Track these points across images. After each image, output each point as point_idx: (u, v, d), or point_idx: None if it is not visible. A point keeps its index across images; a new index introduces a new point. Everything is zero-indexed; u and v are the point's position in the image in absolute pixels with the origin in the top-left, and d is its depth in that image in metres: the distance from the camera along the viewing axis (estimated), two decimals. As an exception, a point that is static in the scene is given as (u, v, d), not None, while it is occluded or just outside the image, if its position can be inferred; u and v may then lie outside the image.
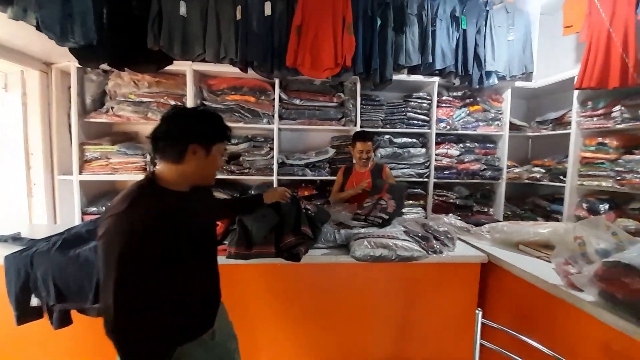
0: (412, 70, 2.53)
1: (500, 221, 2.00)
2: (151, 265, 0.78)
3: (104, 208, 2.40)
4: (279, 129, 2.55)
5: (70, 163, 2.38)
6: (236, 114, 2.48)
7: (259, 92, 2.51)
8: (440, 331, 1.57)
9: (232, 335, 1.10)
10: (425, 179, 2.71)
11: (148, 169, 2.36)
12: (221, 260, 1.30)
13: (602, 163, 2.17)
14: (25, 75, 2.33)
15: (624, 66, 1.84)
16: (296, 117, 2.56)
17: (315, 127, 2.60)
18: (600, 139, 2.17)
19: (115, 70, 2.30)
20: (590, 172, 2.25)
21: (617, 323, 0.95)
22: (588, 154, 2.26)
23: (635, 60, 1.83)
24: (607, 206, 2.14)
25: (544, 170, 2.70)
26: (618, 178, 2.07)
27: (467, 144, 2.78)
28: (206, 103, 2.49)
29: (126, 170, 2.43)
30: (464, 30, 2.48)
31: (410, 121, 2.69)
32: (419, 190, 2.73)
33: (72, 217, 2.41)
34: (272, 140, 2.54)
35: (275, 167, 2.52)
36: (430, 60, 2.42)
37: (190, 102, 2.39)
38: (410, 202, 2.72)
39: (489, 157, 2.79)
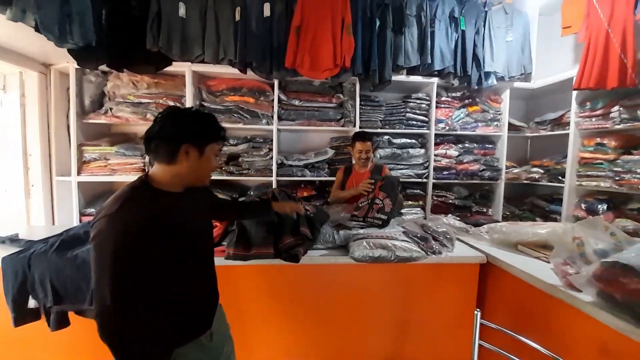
0: (411, 71, 2.53)
1: (499, 221, 2.01)
2: (145, 266, 0.77)
3: (102, 209, 2.39)
4: (278, 130, 2.55)
5: (68, 164, 2.37)
6: (235, 115, 2.48)
7: (258, 93, 2.51)
8: (439, 331, 1.56)
9: (228, 337, 1.09)
10: (424, 180, 2.71)
11: (147, 170, 2.36)
12: (220, 261, 1.30)
13: (601, 163, 2.17)
14: (24, 77, 2.33)
15: (623, 67, 1.85)
16: (295, 117, 2.56)
17: (315, 128, 2.60)
18: (598, 140, 2.18)
19: (114, 71, 2.29)
20: (588, 173, 2.26)
21: (615, 323, 0.95)
22: (586, 155, 2.27)
23: (633, 61, 1.83)
24: (605, 206, 2.15)
25: (542, 171, 2.70)
26: (616, 178, 2.07)
27: (466, 145, 2.78)
28: (205, 104, 2.49)
29: (125, 171, 2.42)
30: (463, 31, 2.48)
31: (409, 122, 2.69)
32: (418, 191, 2.73)
33: (70, 218, 2.41)
34: (271, 141, 2.54)
35: (274, 167, 2.52)
36: (429, 61, 2.42)
37: (189, 103, 2.38)
38: (409, 202, 2.72)
39: (487, 157, 2.79)
